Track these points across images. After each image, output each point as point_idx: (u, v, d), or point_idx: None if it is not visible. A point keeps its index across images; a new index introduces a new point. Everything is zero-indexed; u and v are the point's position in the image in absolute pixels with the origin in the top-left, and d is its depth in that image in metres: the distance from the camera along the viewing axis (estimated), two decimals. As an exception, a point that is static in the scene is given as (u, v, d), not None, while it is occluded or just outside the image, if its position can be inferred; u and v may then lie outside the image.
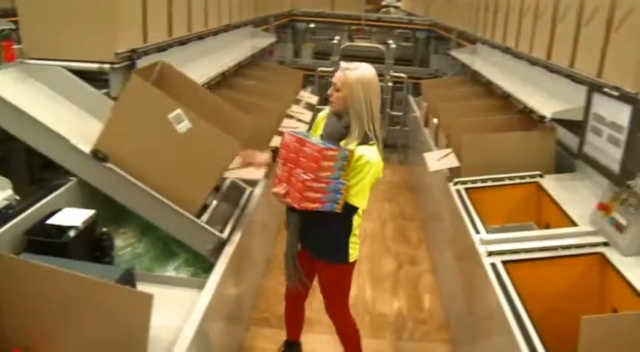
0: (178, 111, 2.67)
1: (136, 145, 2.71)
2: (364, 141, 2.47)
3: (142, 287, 2.27)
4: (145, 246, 2.78)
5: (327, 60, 7.54)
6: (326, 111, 2.68)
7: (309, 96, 5.88)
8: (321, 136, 2.57)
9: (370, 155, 2.44)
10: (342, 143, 2.47)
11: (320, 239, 2.64)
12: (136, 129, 2.72)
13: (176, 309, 2.27)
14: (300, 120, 4.77)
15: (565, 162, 3.69)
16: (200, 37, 4.33)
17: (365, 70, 2.50)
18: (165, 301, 2.26)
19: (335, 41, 7.27)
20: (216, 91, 4.09)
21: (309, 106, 5.52)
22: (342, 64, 2.55)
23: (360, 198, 2.47)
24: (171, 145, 2.70)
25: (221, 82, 4.44)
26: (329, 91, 2.55)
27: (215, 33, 4.78)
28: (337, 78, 2.51)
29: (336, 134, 2.51)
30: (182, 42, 3.92)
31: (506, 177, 3.49)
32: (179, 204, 2.67)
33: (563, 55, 3.63)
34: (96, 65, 3.22)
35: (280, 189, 2.44)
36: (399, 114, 7.15)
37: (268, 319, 3.33)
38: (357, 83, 2.45)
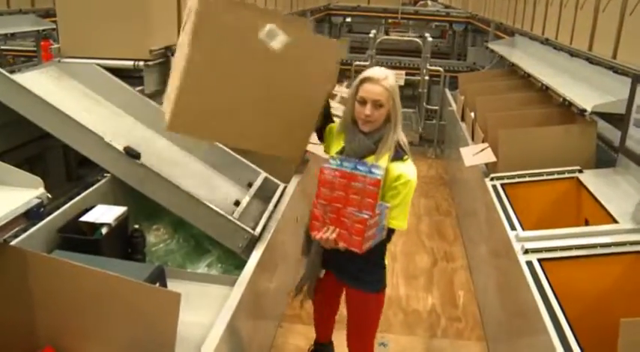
0: (270, 25, 2.25)
1: (222, 93, 2.30)
2: (397, 155, 2.22)
3: (173, 283, 2.30)
4: (178, 242, 2.81)
5: (364, 54, 7.50)
6: (339, 124, 2.38)
7: (344, 91, 5.84)
8: (341, 153, 2.26)
9: (410, 173, 2.21)
10: (371, 159, 2.20)
11: (353, 269, 2.37)
12: (220, 70, 2.26)
13: (207, 306, 2.27)
14: (336, 116, 4.73)
15: (606, 157, 3.58)
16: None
17: (391, 75, 2.23)
18: (197, 298, 2.29)
19: (371, 35, 7.20)
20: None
21: (345, 101, 5.47)
22: (366, 75, 2.20)
23: (401, 220, 2.24)
24: (267, 74, 2.33)
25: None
26: (367, 112, 2.15)
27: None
28: (378, 94, 2.15)
29: (365, 151, 2.23)
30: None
31: (545, 173, 3.40)
32: (283, 148, 2.51)
33: (606, 46, 3.51)
34: (131, 62, 3.26)
35: (329, 234, 2.13)
36: (436, 107, 7.06)
37: (300, 315, 3.32)
38: (396, 92, 2.21)
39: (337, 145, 2.35)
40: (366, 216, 2.05)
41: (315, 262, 2.41)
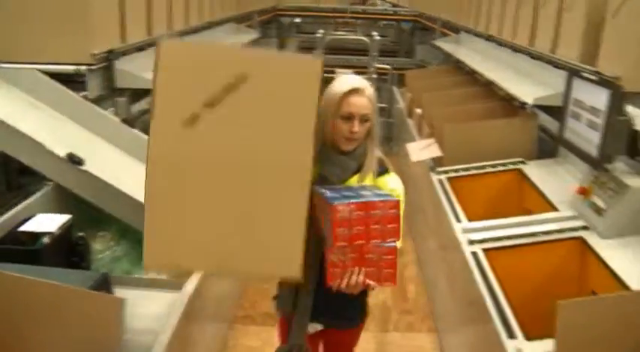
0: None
1: (193, 206, 1.59)
2: (381, 170, 2.00)
3: (120, 291, 2.26)
4: (124, 248, 2.76)
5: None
6: None
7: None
8: (318, 182, 1.87)
9: (400, 186, 1.99)
10: (354, 180, 1.95)
11: (344, 308, 2.05)
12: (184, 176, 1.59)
13: (155, 312, 2.24)
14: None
15: (547, 148, 3.69)
16: (181, 34, 4.30)
17: (367, 82, 1.96)
18: (144, 304, 2.25)
19: (318, 34, 7.24)
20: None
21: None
22: (350, 85, 1.87)
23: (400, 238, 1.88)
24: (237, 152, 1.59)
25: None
26: (355, 128, 1.86)
27: (196, 30, 4.75)
28: (365, 107, 1.87)
29: (350, 173, 1.95)
30: (163, 41, 3.89)
31: (488, 165, 3.50)
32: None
33: (546, 41, 3.62)
34: (72, 67, 3.19)
35: (357, 277, 1.76)
36: (384, 105, 7.14)
37: (252, 316, 3.32)
38: (376, 102, 1.96)
39: None
40: (394, 244, 1.78)
41: (304, 320, 1.99)
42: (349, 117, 1.86)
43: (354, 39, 7.61)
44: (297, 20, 9.01)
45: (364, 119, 1.88)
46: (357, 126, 1.86)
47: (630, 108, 2.68)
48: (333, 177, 1.92)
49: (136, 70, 3.38)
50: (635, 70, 2.63)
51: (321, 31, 7.41)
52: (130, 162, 3.14)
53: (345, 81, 1.92)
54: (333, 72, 7.39)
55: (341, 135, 1.89)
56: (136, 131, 3.19)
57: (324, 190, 1.82)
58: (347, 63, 7.57)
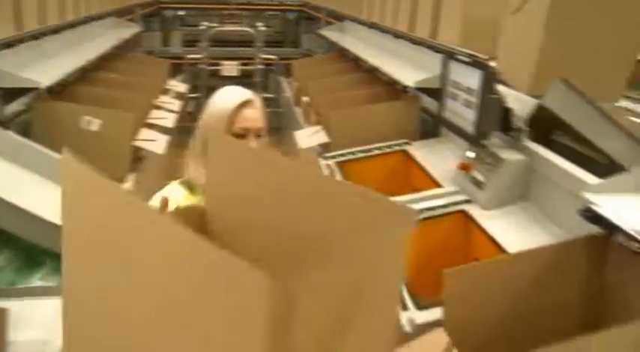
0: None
1: None
2: None
3: (4, 302, 2.12)
4: (6, 258, 2.60)
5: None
6: (191, 170, 1.74)
7: (178, 85, 5.73)
8: None
9: None
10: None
11: None
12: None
13: (42, 322, 2.12)
14: (171, 111, 4.63)
15: (430, 128, 3.84)
16: (56, 30, 4.07)
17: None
18: (31, 314, 2.13)
19: (202, 27, 7.12)
20: (75, 88, 3.89)
21: (179, 95, 5.37)
22: (240, 98, 1.71)
23: None
24: None
25: (81, 77, 4.21)
26: (253, 145, 1.69)
27: (73, 25, 4.52)
28: (259, 120, 1.74)
29: None
30: (35, 36, 3.67)
31: (375, 148, 3.59)
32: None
33: (425, 27, 3.76)
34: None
35: None
36: (272, 95, 7.16)
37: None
38: None
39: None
40: None
41: None
42: (243, 134, 1.69)
43: (239, 30, 7.56)
44: (181, 13, 8.81)
45: (258, 134, 1.73)
46: (254, 143, 1.70)
47: (501, 87, 2.85)
48: None
49: (7, 67, 3.17)
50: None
51: (206, 23, 7.30)
52: (6, 165, 2.95)
53: (232, 93, 1.75)
54: (218, 64, 7.33)
55: None
56: (11, 133, 3.01)
57: None
58: (233, 55, 7.51)
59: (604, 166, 2.41)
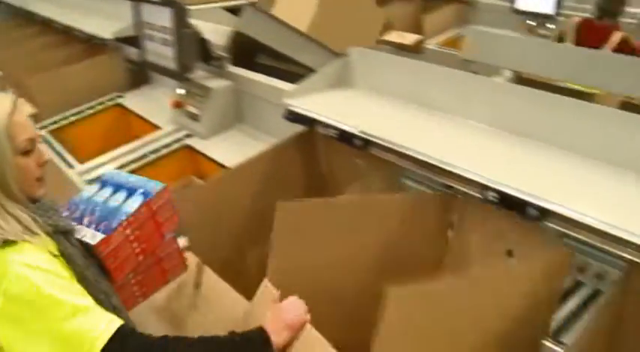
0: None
1: None
2: None
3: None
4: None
5: None
6: None
7: None
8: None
9: None
10: None
11: None
12: None
13: None
14: None
15: (141, 77, 3.79)
16: None
17: None
18: None
19: None
20: None
21: None
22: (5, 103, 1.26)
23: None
24: None
25: None
26: (45, 156, 1.33)
27: None
28: (32, 124, 1.32)
29: None
30: None
31: (87, 107, 3.46)
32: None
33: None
34: None
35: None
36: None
37: None
38: None
39: None
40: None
41: None
42: (31, 149, 1.28)
43: None
44: None
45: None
46: (46, 155, 1.34)
47: (194, 21, 2.93)
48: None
49: None
50: None
51: None
52: None
53: None
54: None
55: (30, 177, 1.28)
56: None
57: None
58: None
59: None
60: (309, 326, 1.30)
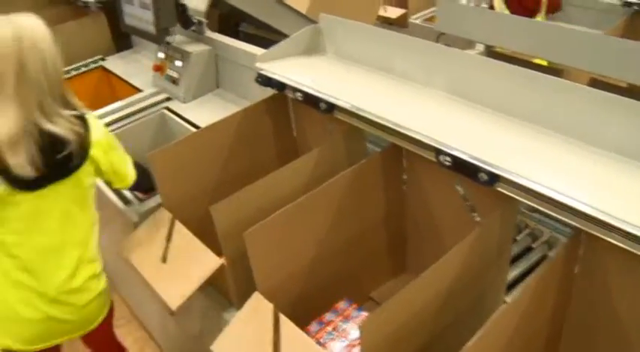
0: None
1: None
2: None
3: None
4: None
5: None
6: None
7: None
8: None
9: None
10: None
11: None
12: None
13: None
14: None
15: (124, 41, 3.83)
16: None
17: None
18: None
19: None
20: None
21: None
22: None
23: None
24: None
25: None
26: None
27: None
28: None
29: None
30: None
31: (71, 69, 3.51)
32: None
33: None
34: None
35: None
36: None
37: None
38: None
39: None
40: None
41: None
42: None
43: None
44: None
45: None
46: None
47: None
48: None
49: None
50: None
51: None
52: None
53: None
54: None
55: None
56: None
57: None
58: None
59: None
60: (292, 324, 1.48)
